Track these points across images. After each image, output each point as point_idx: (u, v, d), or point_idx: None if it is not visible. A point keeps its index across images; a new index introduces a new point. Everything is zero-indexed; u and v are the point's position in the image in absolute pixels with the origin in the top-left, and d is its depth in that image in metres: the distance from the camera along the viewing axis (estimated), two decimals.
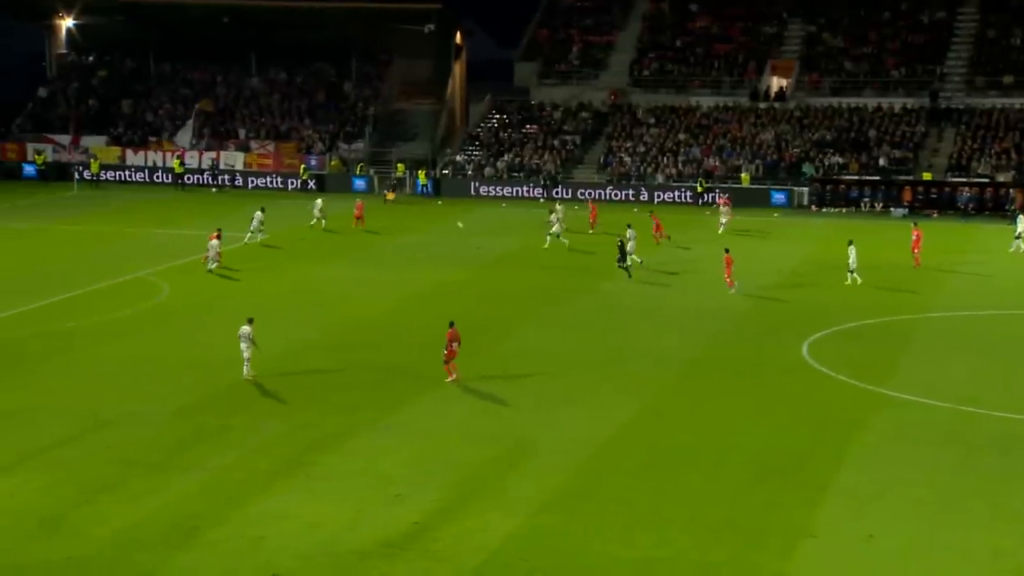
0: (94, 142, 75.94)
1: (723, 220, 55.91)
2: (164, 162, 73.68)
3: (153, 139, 76.21)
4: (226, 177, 72.16)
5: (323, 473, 26.81)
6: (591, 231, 56.31)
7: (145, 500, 25.19)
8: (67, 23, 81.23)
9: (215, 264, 45.45)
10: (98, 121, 78.24)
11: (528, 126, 75.59)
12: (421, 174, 70.14)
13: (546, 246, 52.45)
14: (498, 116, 76.95)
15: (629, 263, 46.30)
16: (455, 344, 32.93)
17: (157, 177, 73.36)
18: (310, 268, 48.92)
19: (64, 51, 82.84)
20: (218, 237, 46.83)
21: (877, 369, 34.81)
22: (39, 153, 74.32)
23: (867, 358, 36.13)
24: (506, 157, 72.59)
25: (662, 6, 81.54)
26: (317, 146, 74.92)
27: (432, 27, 75.97)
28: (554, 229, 52.62)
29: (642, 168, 70.50)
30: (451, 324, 33.22)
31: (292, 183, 70.74)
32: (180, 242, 49.91)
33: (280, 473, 26.77)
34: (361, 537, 23.52)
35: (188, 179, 72.21)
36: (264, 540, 23.34)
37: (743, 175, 68.60)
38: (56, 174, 72.77)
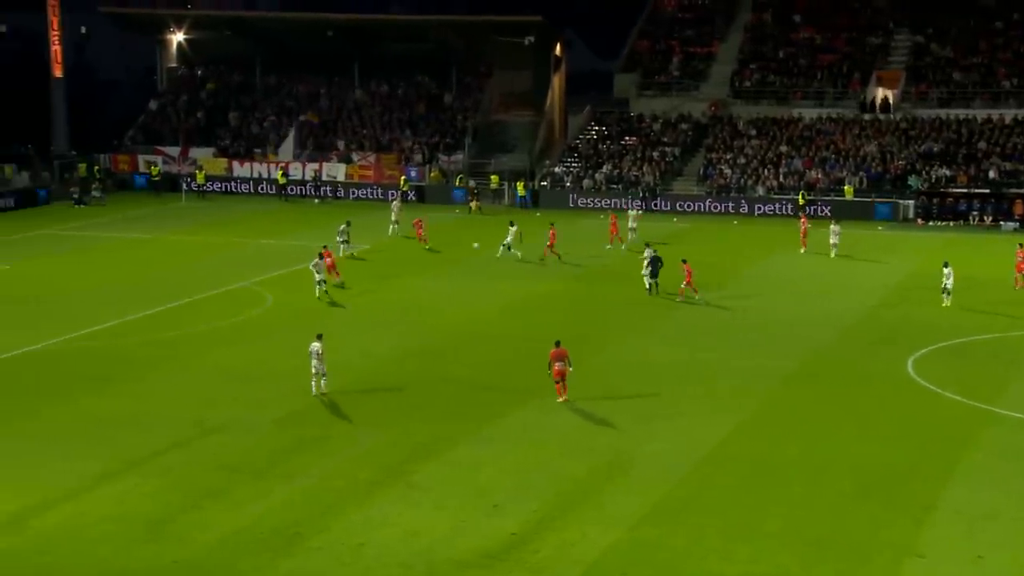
0: (202, 154, 77.54)
1: (833, 241, 53.73)
2: (269, 173, 74.98)
3: (258, 151, 77.59)
4: (328, 188, 73.19)
5: (422, 482, 27.00)
6: (609, 245, 55.67)
7: (248, 507, 25.62)
8: (178, 38, 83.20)
9: (323, 285, 44.63)
10: (206, 133, 79.93)
11: (627, 137, 75.39)
12: (520, 185, 70.33)
13: (499, 255, 52.41)
14: (597, 127, 76.88)
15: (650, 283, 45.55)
16: (560, 363, 32.30)
17: (262, 188, 74.65)
18: (408, 279, 49.32)
19: (175, 65, 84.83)
20: (326, 256, 46.75)
21: (985, 386, 33.98)
22: (153, 165, 76.11)
23: (975, 375, 35.29)
24: (605, 169, 72.47)
25: (765, 17, 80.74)
26: (417, 157, 75.61)
27: (532, 39, 76.21)
28: (507, 240, 52.72)
29: (742, 180, 69.85)
30: (556, 343, 32.74)
31: (392, 194, 71.49)
32: (284, 253, 50.72)
33: (380, 482, 27.02)
34: (459, 547, 23.64)
35: (291, 190, 73.38)
36: (364, 548, 23.59)
37: (846, 187, 67.55)
38: (165, 185, 74.48)
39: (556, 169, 73.48)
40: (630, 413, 31.95)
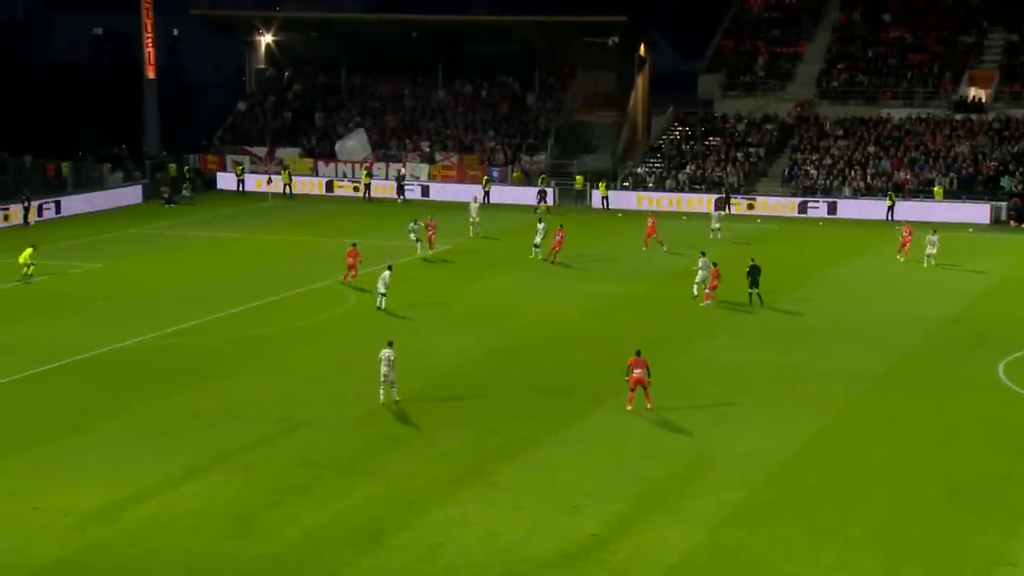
0: (288, 154, 78.56)
1: (930, 251, 51.20)
2: (353, 173, 75.68)
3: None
4: (407, 187, 73.32)
5: (501, 482, 27.08)
6: (644, 248, 54.95)
7: (331, 503, 25.91)
8: (266, 39, 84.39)
9: (382, 298, 43.08)
10: (292, 133, 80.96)
11: (711, 138, 74.84)
12: (602, 186, 70.18)
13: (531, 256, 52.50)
14: (680, 128, 76.43)
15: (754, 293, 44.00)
16: (639, 371, 31.55)
17: (345, 188, 75.32)
18: (489, 279, 49.47)
19: (263, 66, 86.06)
20: (349, 254, 46.99)
21: None
22: (238, 164, 77.27)
23: None
24: (688, 169, 72.03)
25: (854, 16, 79.62)
26: (499, 158, 75.82)
27: (616, 40, 75.99)
28: (537, 239, 52.86)
29: (828, 181, 68.94)
30: (637, 352, 32.05)
31: (475, 197, 71.51)
32: (366, 252, 51.11)
33: (460, 481, 27.16)
34: (539, 547, 23.67)
35: (375, 191, 73.92)
36: (444, 547, 23.73)
37: (936, 188, 66.34)
38: (252, 185, 75.52)
39: (638, 170, 73.19)
40: (710, 415, 31.74)
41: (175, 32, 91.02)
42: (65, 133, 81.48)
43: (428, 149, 77.10)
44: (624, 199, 69.81)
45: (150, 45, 78.69)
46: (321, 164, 77.20)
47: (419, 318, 42.42)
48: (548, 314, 43.21)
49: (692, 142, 74.76)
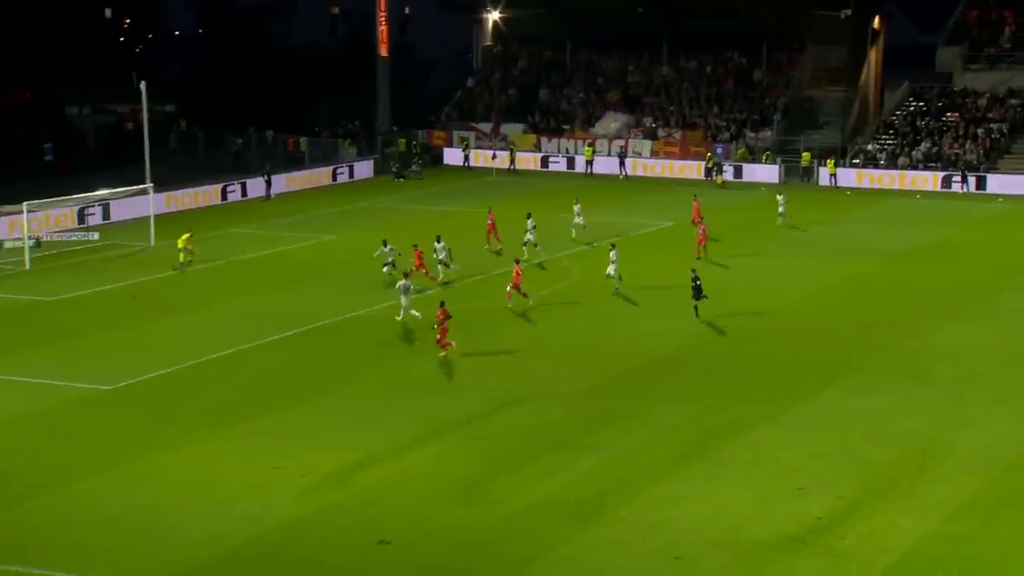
0: (512, 130, 79.62)
1: None
2: (576, 150, 76.12)
3: (566, 127, 78.90)
4: (627, 164, 73.11)
5: (725, 461, 26.98)
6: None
7: (556, 475, 26.36)
8: (493, 16, 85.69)
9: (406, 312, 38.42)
10: (517, 110, 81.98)
11: (948, 114, 71.87)
12: (830, 163, 68.44)
13: (573, 236, 50.86)
14: (915, 103, 73.68)
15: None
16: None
17: (570, 164, 75.86)
18: (718, 257, 48.86)
19: (490, 43, 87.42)
20: (417, 255, 43.40)
21: None
22: (464, 140, 78.83)
23: None
24: (922, 146, 69.43)
25: None
26: (724, 134, 74.86)
27: (849, 12, 73.77)
28: (577, 220, 51.03)
29: None
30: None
31: (696, 172, 70.91)
32: (591, 227, 51.36)
33: (684, 457, 27.19)
34: (763, 528, 23.50)
35: (597, 167, 74.13)
36: (668, 523, 23.83)
37: None
38: (478, 161, 76.95)
39: (869, 147, 71.02)
40: (943, 399, 30.75)
41: (406, 10, 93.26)
42: (304, 109, 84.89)
43: (651, 125, 76.83)
44: (853, 177, 67.94)
45: (383, 23, 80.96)
46: (544, 140, 77.91)
47: (648, 295, 42.31)
48: (771, 294, 42.54)
49: (928, 118, 72.01)
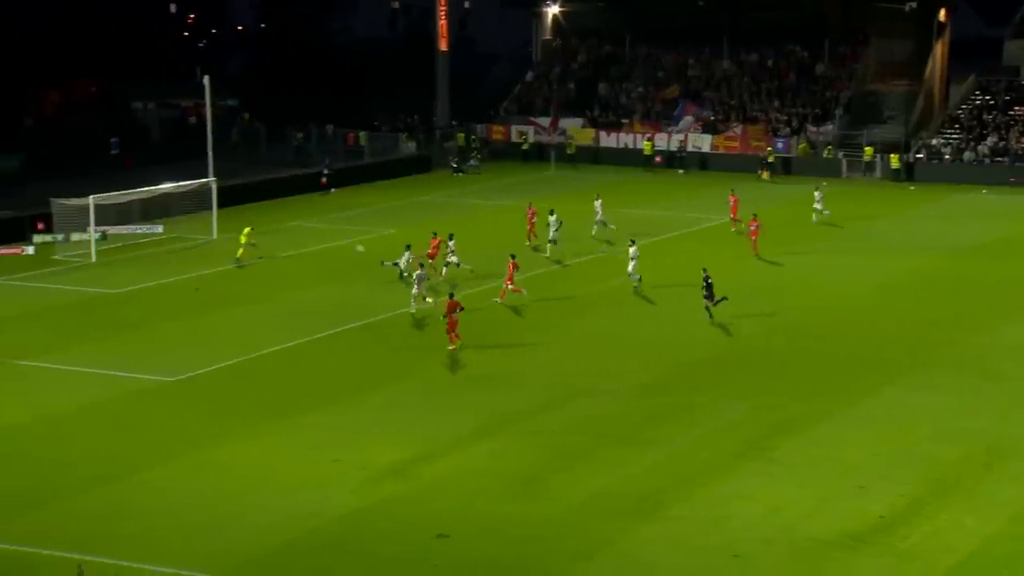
0: (571, 124, 79.44)
1: None
2: (635, 143, 75.81)
3: (625, 121, 78.60)
4: (683, 157, 72.66)
5: (784, 458, 26.76)
6: (733, 229, 51.61)
7: (613, 470, 26.29)
8: (553, 10, 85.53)
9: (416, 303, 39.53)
10: (576, 104, 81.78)
11: (1016, 108, 70.69)
12: (894, 158, 67.57)
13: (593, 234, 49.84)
14: (981, 97, 72.54)
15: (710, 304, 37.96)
16: None
17: (627, 159, 75.51)
18: (776, 253, 48.46)
19: (549, 37, 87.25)
20: (432, 243, 44.30)
21: None
22: (523, 134, 78.77)
23: None
24: (989, 141, 68.34)
25: None
26: (785, 128, 74.17)
27: (914, 5, 72.76)
28: (599, 219, 49.85)
29: None
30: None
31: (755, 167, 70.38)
32: (646, 222, 51.18)
33: (743, 455, 27.00)
34: (823, 526, 23.28)
35: (656, 161, 73.77)
36: (726, 520, 23.68)
37: None
38: (536, 154, 76.88)
39: (933, 141, 70.04)
40: (1010, 396, 30.30)
41: (466, 5, 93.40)
42: (363, 103, 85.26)
43: (712, 119, 76.32)
44: (916, 171, 67.08)
45: (443, 18, 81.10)
46: (603, 134, 77.68)
47: (693, 294, 41.98)
48: (834, 289, 42.12)
49: (994, 112, 70.87)
